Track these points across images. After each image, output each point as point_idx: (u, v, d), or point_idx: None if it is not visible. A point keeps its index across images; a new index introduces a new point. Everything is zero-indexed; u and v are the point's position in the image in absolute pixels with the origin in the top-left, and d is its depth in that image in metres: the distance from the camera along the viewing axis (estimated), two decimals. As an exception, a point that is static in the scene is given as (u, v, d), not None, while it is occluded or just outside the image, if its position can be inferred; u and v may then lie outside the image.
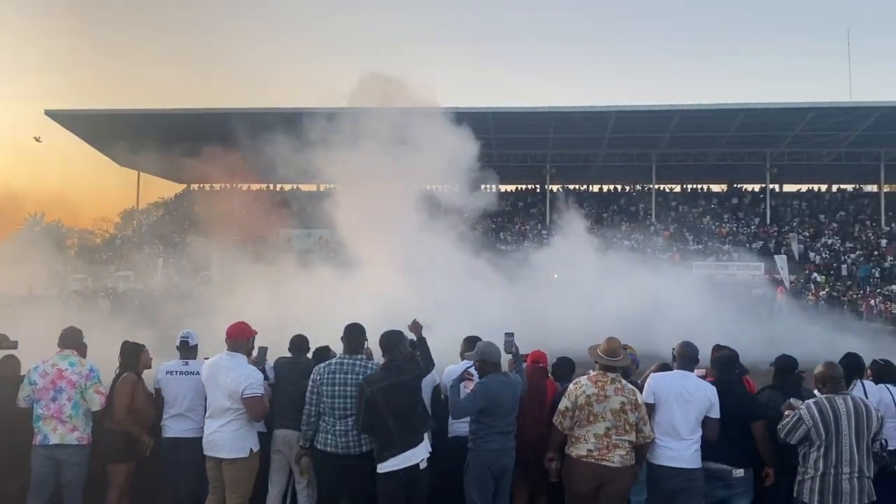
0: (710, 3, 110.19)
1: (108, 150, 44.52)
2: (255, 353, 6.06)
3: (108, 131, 41.68)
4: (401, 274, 20.30)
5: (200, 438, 5.64)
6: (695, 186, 53.12)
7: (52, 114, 42.05)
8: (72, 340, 5.93)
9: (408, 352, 5.32)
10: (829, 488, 4.79)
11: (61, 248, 53.55)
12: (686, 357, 5.44)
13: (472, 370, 5.67)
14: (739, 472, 5.24)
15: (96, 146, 45.17)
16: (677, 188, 53.18)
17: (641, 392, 5.31)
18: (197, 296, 22.04)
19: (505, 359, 6.01)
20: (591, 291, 22.99)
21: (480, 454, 5.30)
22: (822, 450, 4.82)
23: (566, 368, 6.34)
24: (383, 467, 4.99)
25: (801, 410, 4.90)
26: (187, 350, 6.04)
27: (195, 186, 50.49)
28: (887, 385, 5.75)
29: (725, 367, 5.60)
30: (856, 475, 4.78)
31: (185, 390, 5.86)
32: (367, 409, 5.00)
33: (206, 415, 5.59)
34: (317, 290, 19.80)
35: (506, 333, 6.11)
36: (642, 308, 20.93)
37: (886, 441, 5.39)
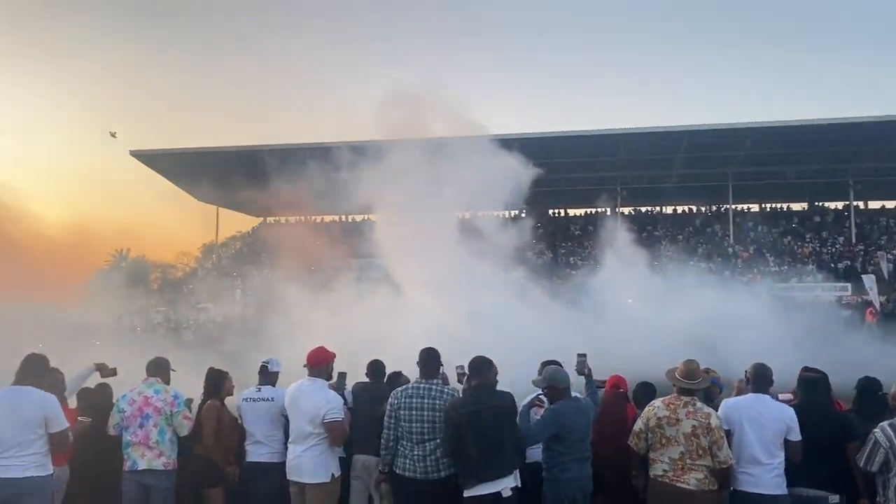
0: (784, 17, 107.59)
1: (189, 186, 46.35)
2: (334, 377, 6.12)
3: (187, 169, 43.49)
4: (466, 301, 20.27)
5: (280, 463, 5.72)
6: (774, 206, 51.45)
7: (136, 154, 44.21)
8: (157, 369, 6.13)
9: (495, 378, 5.28)
10: None
11: (145, 281, 55.83)
12: (760, 379, 5.25)
13: (543, 396, 5.54)
14: (835, 499, 4.97)
15: (177, 183, 47.10)
16: (755, 208, 51.63)
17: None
18: (267, 325, 22.51)
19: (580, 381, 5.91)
20: (663, 314, 22.44)
21: (556, 483, 5.19)
22: None
23: (646, 393, 6.16)
24: (468, 492, 4.92)
25: (877, 434, 4.66)
26: (266, 375, 6.18)
27: (270, 219, 51.90)
28: None
29: (811, 388, 5.35)
30: None
31: (259, 417, 5.98)
32: (451, 434, 4.95)
33: (290, 440, 5.65)
34: (383, 317, 19.93)
35: (578, 354, 6.02)
36: (716, 331, 20.35)
37: None
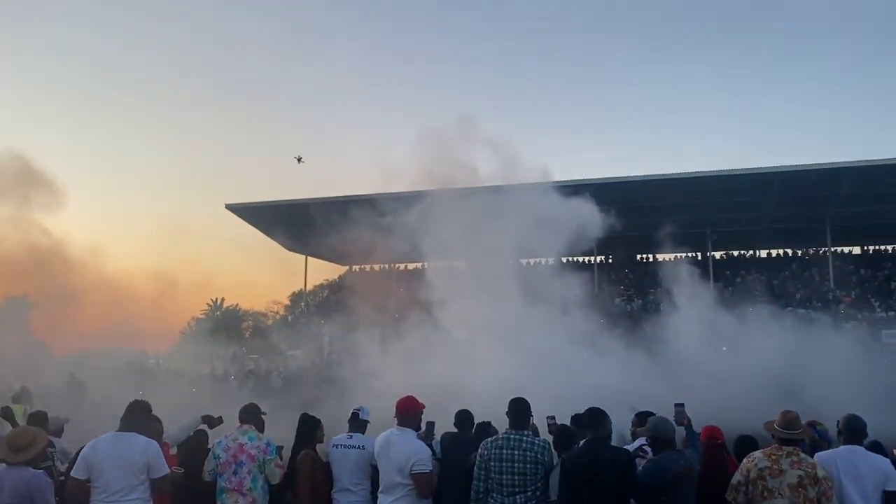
0: (870, 54, 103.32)
1: (280, 236, 47.97)
2: (423, 427, 6.10)
3: (278, 220, 45.05)
4: (524, 346, 20.09)
5: None
6: (878, 247, 48.81)
7: (231, 207, 46.28)
8: (250, 415, 6.25)
9: (610, 429, 5.25)
10: None
11: (238, 330, 57.67)
12: (853, 430, 5.04)
13: (646, 447, 5.36)
14: None
15: (269, 234, 48.84)
16: (857, 250, 49.11)
17: None
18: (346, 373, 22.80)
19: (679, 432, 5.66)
20: (742, 361, 21.56)
21: None
22: None
23: (747, 447, 5.83)
24: None
25: None
26: (356, 423, 6.21)
27: (356, 267, 52.95)
28: None
29: None
30: None
31: (349, 464, 5.98)
32: (566, 484, 4.92)
33: (380, 489, 5.64)
34: (452, 364, 19.88)
35: (676, 404, 5.80)
36: (804, 378, 19.46)
37: None
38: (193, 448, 6.39)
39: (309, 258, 52.80)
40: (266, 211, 46.19)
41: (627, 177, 40.96)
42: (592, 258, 47.76)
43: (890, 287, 43.02)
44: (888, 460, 4.92)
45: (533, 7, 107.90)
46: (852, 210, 41.52)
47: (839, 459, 4.86)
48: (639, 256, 49.83)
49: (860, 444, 5.00)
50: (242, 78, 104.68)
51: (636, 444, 5.74)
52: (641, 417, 5.98)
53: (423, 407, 5.86)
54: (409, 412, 5.67)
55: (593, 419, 5.20)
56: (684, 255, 50.32)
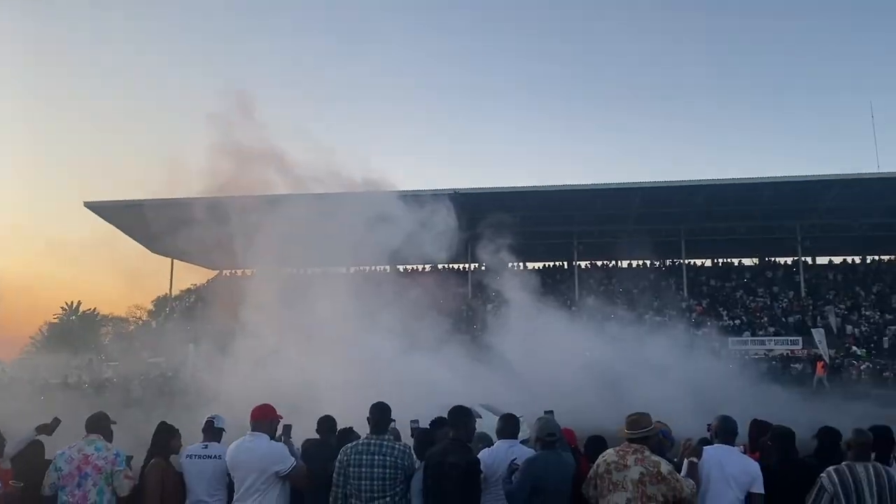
0: (731, 76, 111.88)
1: (142, 238, 45.57)
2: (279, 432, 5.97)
3: (140, 220, 42.70)
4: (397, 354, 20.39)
5: None
6: (727, 260, 52.71)
7: (90, 205, 43.45)
8: (98, 425, 5.89)
9: (473, 429, 5.38)
10: None
11: (96, 335, 54.32)
12: (725, 431, 5.33)
13: (517, 463, 5.37)
14: None
15: (131, 234, 46.27)
16: (708, 263, 52.80)
17: (680, 471, 5.13)
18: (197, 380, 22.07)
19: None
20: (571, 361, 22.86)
21: None
22: None
23: (597, 447, 6.07)
24: None
25: (823, 478, 4.81)
26: (211, 432, 5.96)
27: (226, 272, 51.13)
28: None
29: (784, 443, 5.41)
30: None
31: (205, 475, 5.74)
32: (426, 481, 5.06)
33: (235, 498, 5.44)
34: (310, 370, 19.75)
35: (545, 411, 5.99)
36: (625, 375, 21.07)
37: None
38: (29, 460, 5.94)
39: (175, 261, 50.46)
40: (128, 210, 43.60)
41: (502, 187, 42.16)
42: (467, 265, 48.61)
43: (736, 297, 46.54)
44: (756, 464, 5.18)
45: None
46: (705, 225, 44.66)
47: (710, 459, 5.15)
48: (511, 264, 51.02)
49: (732, 444, 5.28)
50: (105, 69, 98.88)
51: (502, 451, 5.70)
52: (506, 420, 6.07)
53: (281, 417, 5.74)
54: (263, 419, 5.53)
55: (455, 418, 5.28)
56: (552, 264, 52.39)
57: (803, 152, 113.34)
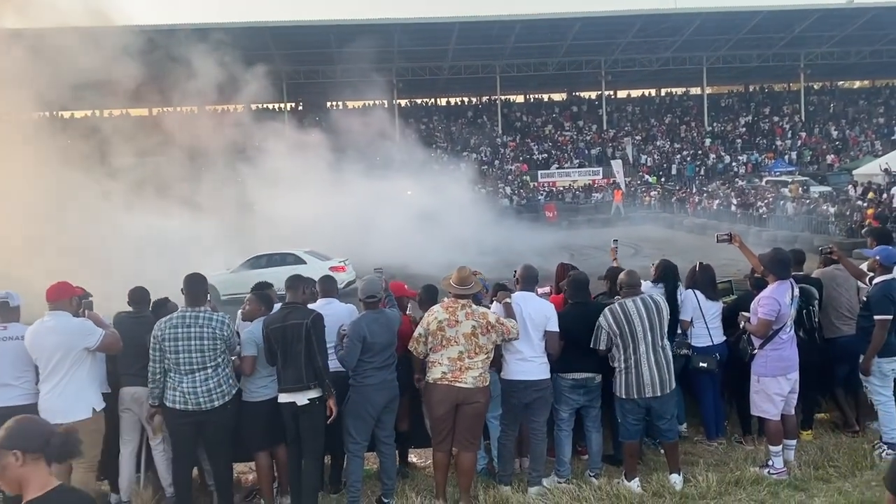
0: None
1: None
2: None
3: None
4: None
5: (33, 405, 5.24)
6: (537, 96, 54.52)
7: None
8: None
9: (308, 294, 5.57)
10: (633, 381, 5.34)
11: None
12: (527, 278, 5.70)
13: (345, 328, 5.54)
14: (598, 378, 5.65)
15: None
16: (521, 99, 54.37)
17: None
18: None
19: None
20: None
21: (361, 390, 5.34)
22: (622, 348, 5.37)
23: (430, 295, 6.27)
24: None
25: (600, 319, 5.43)
26: (7, 312, 5.50)
27: None
28: (696, 290, 6.37)
29: (578, 288, 5.87)
30: (654, 367, 5.33)
31: (7, 356, 5.28)
32: (266, 347, 5.21)
33: (40, 381, 5.19)
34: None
35: (375, 269, 6.10)
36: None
37: (688, 338, 6.21)
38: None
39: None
40: None
41: (305, 21, 39.96)
42: (282, 105, 46.68)
43: (546, 132, 48.83)
44: (552, 306, 5.64)
45: None
46: (518, 61, 45.51)
47: (513, 302, 5.50)
48: (329, 104, 49.72)
49: (532, 290, 5.68)
50: None
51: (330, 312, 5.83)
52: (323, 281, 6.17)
53: (80, 292, 5.43)
54: (60, 297, 5.19)
55: (293, 283, 5.48)
56: (372, 102, 51.54)
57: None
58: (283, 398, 5.23)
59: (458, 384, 5.15)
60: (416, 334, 5.36)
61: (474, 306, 5.33)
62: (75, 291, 5.42)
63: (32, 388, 5.35)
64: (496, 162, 45.13)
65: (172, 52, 21.92)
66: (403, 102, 50.29)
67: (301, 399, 5.17)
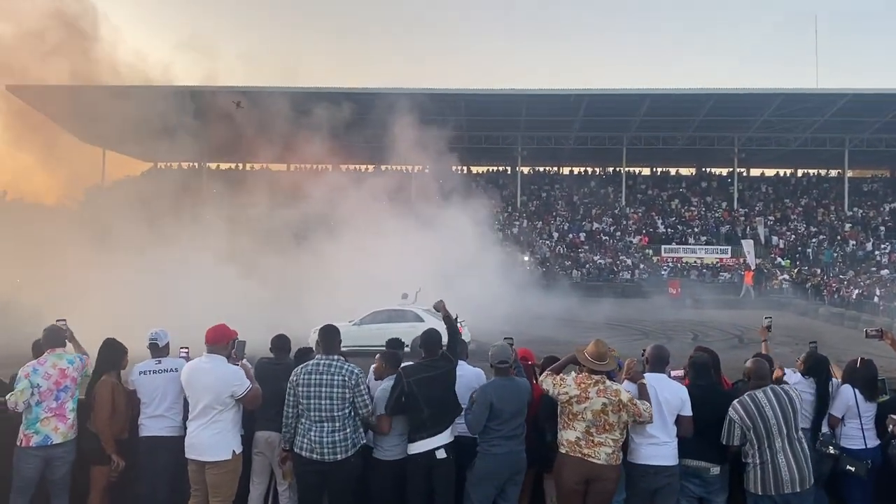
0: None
1: (72, 126, 43.33)
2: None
3: (69, 106, 40.36)
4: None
5: (178, 437, 5.59)
6: (665, 170, 53.62)
7: (13, 90, 40.78)
8: (57, 338, 5.84)
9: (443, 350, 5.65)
10: (770, 477, 5.02)
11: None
12: (657, 359, 5.52)
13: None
14: (716, 470, 5.31)
15: (60, 123, 43.88)
16: (647, 171, 53.63)
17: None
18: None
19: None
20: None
21: (487, 458, 5.31)
22: (756, 443, 5.07)
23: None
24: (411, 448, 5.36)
25: (731, 412, 5.13)
26: (157, 350, 5.94)
27: (161, 165, 49.39)
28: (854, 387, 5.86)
29: (700, 371, 5.62)
30: (792, 461, 5.01)
31: (161, 389, 5.77)
32: (399, 398, 5.32)
33: (189, 418, 5.51)
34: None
35: (505, 338, 5.92)
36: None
37: (836, 438, 5.70)
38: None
39: (108, 151, 48.44)
40: (56, 94, 41.05)
41: (447, 89, 41.32)
42: (410, 167, 48.23)
43: (672, 206, 47.74)
44: (685, 389, 5.37)
45: None
46: (646, 134, 45.08)
47: (649, 385, 5.29)
48: (454, 168, 50.86)
49: (662, 371, 5.45)
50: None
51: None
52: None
53: (236, 334, 5.73)
54: (218, 342, 5.51)
55: (430, 342, 5.57)
56: (495, 168, 52.41)
57: (747, 67, 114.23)
58: (419, 448, 5.32)
59: (590, 459, 5.01)
60: (545, 387, 5.27)
61: (608, 383, 5.18)
62: (231, 335, 5.70)
63: (180, 421, 5.70)
64: (617, 233, 44.45)
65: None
66: (526, 170, 50.71)
67: (440, 452, 5.27)
